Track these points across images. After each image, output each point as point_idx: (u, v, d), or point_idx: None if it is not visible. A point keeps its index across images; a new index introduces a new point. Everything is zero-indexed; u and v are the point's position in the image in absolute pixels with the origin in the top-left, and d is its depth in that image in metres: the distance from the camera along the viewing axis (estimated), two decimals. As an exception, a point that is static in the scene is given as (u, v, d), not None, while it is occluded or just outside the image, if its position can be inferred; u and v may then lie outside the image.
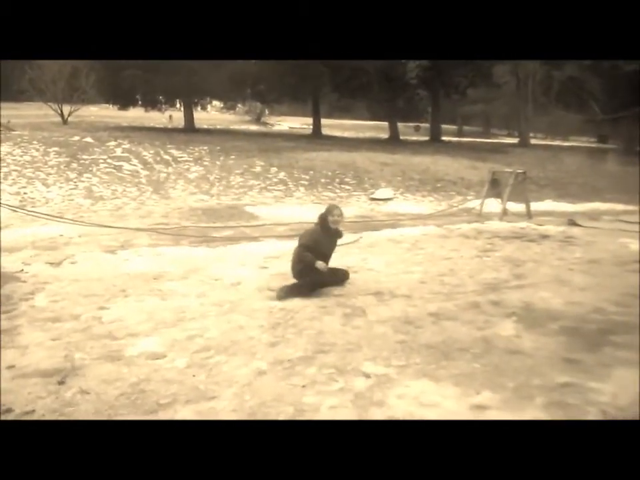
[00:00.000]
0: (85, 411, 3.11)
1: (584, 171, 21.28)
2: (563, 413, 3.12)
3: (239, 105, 39.44)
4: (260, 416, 3.09)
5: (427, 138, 32.59)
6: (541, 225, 9.67)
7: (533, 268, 6.46)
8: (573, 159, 24.18)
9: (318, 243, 5.44)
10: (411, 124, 41.44)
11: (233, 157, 18.14)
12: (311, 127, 32.13)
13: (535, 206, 12.34)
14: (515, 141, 34.53)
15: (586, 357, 3.88)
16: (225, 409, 3.16)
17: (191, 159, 17.22)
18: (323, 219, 5.54)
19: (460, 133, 42.37)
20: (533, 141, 33.40)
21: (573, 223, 9.98)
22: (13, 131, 20.19)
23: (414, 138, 33.35)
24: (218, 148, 19.32)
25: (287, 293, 5.29)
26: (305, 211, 12.15)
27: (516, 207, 11.51)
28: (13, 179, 13.20)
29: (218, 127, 32.26)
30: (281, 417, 3.08)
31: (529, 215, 11.23)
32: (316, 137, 29.23)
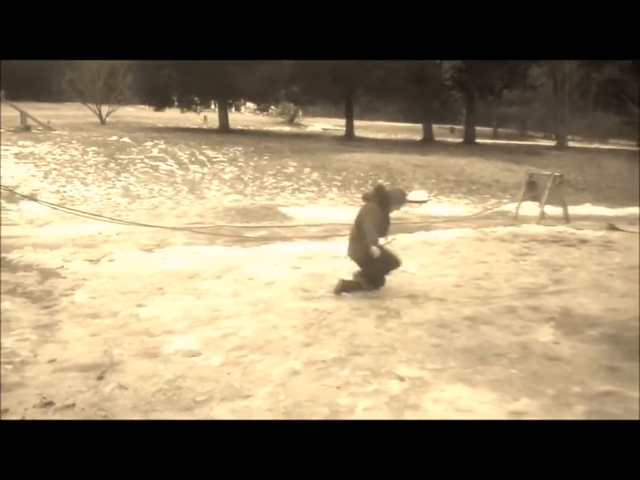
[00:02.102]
0: (123, 406, 3.16)
1: (623, 174, 20.74)
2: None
3: (272, 107, 39.65)
4: (294, 416, 3.10)
5: (461, 140, 32.23)
6: (579, 229, 9.47)
7: (571, 273, 6.33)
8: (612, 162, 23.59)
9: (380, 224, 5.38)
10: (444, 126, 41.05)
11: (266, 157, 18.26)
12: (344, 128, 32.10)
13: (573, 210, 12.09)
14: (551, 143, 33.89)
15: (626, 365, 3.79)
16: (259, 407, 3.17)
17: (226, 160, 17.38)
18: (384, 200, 5.40)
19: (495, 135, 41.80)
20: (570, 144, 32.72)
21: (612, 228, 9.74)
22: (53, 130, 20.69)
23: (448, 140, 33.02)
24: (252, 149, 19.45)
25: (351, 287, 5.36)
26: (337, 212, 12.15)
27: (553, 210, 11.29)
28: (53, 178, 13.52)
29: (251, 128, 32.50)
30: (316, 417, 3.08)
31: (566, 219, 11.01)
32: (349, 138, 29.19)
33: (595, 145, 36.40)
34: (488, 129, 42.55)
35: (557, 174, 11.42)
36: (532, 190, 11.50)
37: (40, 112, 26.02)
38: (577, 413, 3.17)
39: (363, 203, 5.61)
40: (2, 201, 10.77)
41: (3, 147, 15.16)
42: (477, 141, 30.73)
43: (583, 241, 8.32)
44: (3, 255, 6.57)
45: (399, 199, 5.66)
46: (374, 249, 5.08)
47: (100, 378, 3.51)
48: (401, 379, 3.59)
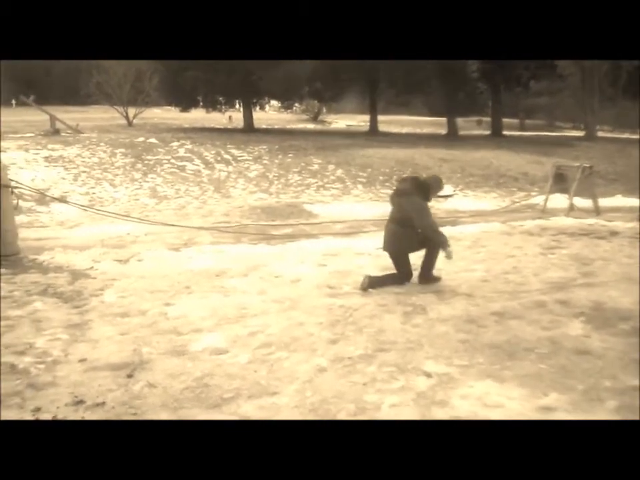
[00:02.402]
0: (152, 404, 3.21)
1: (655, 164, 20.25)
2: (636, 416, 2.98)
3: (296, 104, 39.72)
4: (321, 412, 3.10)
5: (488, 132, 31.84)
6: (609, 221, 9.28)
7: (601, 266, 6.20)
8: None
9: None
10: (471, 118, 40.61)
11: (290, 155, 18.31)
12: (368, 123, 31.99)
13: (603, 201, 11.84)
14: (580, 134, 33.26)
15: (660, 359, 3.70)
16: (287, 404, 3.19)
17: (251, 158, 17.48)
18: (426, 189, 5.46)
19: (522, 127, 41.18)
20: (599, 134, 32.07)
21: (644, 219, 9.51)
22: (82, 133, 21.08)
23: (475, 132, 32.67)
24: (276, 147, 19.53)
25: (378, 283, 5.39)
26: (362, 208, 12.12)
27: (583, 202, 11.08)
28: (83, 180, 13.77)
29: (276, 126, 32.63)
30: (342, 414, 3.08)
31: (596, 211, 10.79)
32: (373, 133, 29.10)
33: (625, 135, 35.56)
34: (515, 121, 41.94)
35: (587, 165, 11.20)
36: (560, 182, 11.30)
37: (69, 115, 26.55)
38: (608, 407, 3.11)
39: (396, 197, 5.54)
40: (33, 203, 11.02)
41: (32, 151, 15.50)
42: (504, 132, 30.34)
43: (614, 233, 8.14)
44: (34, 257, 6.72)
45: (438, 186, 5.67)
46: (447, 242, 5.31)
47: (129, 376, 3.57)
48: (428, 375, 3.57)
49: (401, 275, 5.54)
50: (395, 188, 5.57)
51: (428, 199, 5.49)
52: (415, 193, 5.39)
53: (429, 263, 5.55)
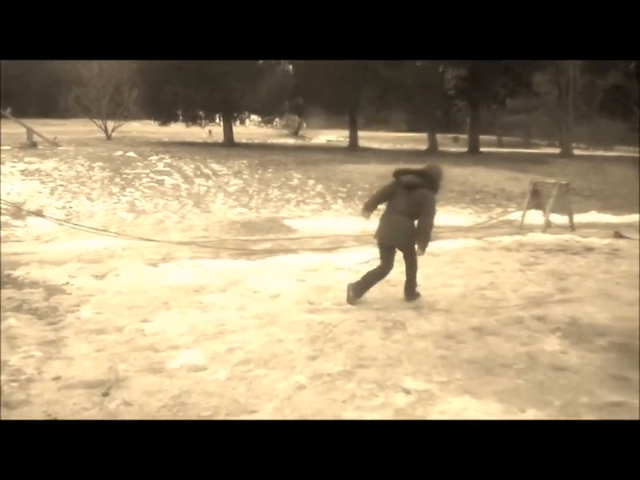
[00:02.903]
0: (128, 423, 3.15)
1: (628, 181, 20.63)
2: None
3: (277, 119, 39.83)
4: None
5: (465, 149, 32.24)
6: (585, 237, 9.43)
7: (577, 282, 6.29)
8: (618, 169, 23.51)
9: (388, 193, 5.60)
10: (449, 135, 41.10)
11: (270, 170, 18.31)
12: (348, 139, 32.18)
13: (579, 218, 12.04)
14: (556, 151, 33.85)
15: (635, 374, 3.75)
16: (265, 422, 3.16)
17: (230, 173, 17.45)
18: (436, 183, 5.45)
19: (500, 144, 41.79)
20: (575, 151, 32.67)
21: (619, 235, 9.69)
22: (59, 146, 20.85)
23: (452, 149, 33.04)
24: (256, 161, 19.52)
25: (363, 286, 5.42)
26: (342, 223, 12.15)
27: (559, 218, 11.25)
28: (59, 194, 13.59)
29: (256, 141, 32.65)
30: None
31: (572, 227, 10.97)
32: (353, 149, 29.26)
33: (600, 152, 36.30)
34: (492, 138, 42.54)
35: (563, 182, 11.39)
36: (536, 198, 11.47)
37: (46, 128, 26.25)
38: (585, 424, 3.13)
39: (405, 190, 5.39)
40: (8, 217, 10.84)
41: (9, 164, 15.28)
42: (482, 149, 30.73)
43: (589, 249, 8.28)
44: (9, 272, 6.60)
45: (441, 175, 5.62)
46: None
47: (105, 394, 3.51)
48: (407, 391, 3.57)
49: (383, 269, 5.48)
50: (398, 179, 5.46)
51: (437, 191, 5.49)
52: (425, 187, 5.36)
53: (413, 275, 5.56)
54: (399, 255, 5.52)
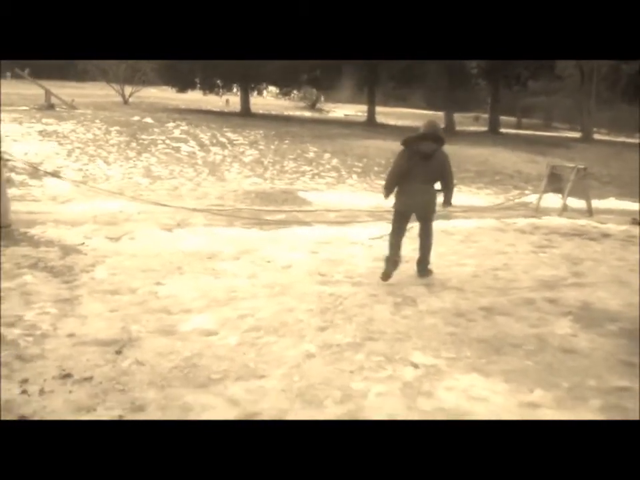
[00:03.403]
0: (140, 381, 3.21)
1: (649, 169, 20.36)
2: (619, 417, 3.02)
3: (295, 92, 39.53)
4: (308, 397, 3.12)
5: (485, 129, 31.87)
6: (602, 223, 9.33)
7: (591, 267, 6.25)
8: (637, 156, 23.15)
9: (405, 164, 5.46)
10: (468, 114, 40.61)
11: (286, 142, 18.23)
12: (366, 114, 31.91)
13: (596, 203, 11.90)
14: (577, 135, 33.36)
15: (645, 361, 3.74)
16: (274, 388, 3.21)
17: (246, 143, 17.39)
18: (442, 138, 5.39)
19: (519, 125, 41.24)
20: (596, 136, 32.18)
21: (636, 222, 9.58)
22: (77, 109, 20.87)
23: (471, 128, 32.68)
24: (273, 132, 19.44)
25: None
26: (356, 198, 12.12)
27: (576, 203, 11.14)
28: (76, 156, 13.64)
29: (273, 112, 32.45)
30: (329, 401, 3.10)
31: (589, 212, 10.85)
32: (370, 124, 29.02)
33: (622, 139, 35.70)
34: (512, 119, 41.98)
35: (581, 166, 11.24)
36: (554, 182, 11.34)
37: (64, 90, 26.25)
38: (592, 406, 3.15)
39: (422, 160, 5.25)
40: (25, 177, 10.92)
41: (27, 125, 15.34)
42: (501, 130, 30.37)
43: (606, 235, 8.20)
44: (25, 230, 6.68)
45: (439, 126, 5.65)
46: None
47: (118, 353, 3.57)
48: (415, 366, 3.59)
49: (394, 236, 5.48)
50: (411, 148, 5.29)
51: (444, 143, 5.42)
52: (439, 148, 5.31)
53: (429, 250, 5.57)
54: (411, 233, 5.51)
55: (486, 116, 35.40)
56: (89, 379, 3.20)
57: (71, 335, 3.80)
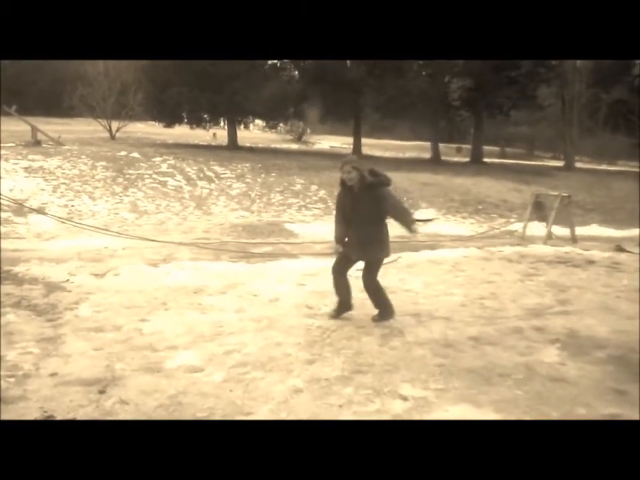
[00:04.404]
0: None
1: (631, 196, 20.64)
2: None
3: (281, 124, 39.93)
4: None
5: (468, 159, 32.30)
6: (586, 250, 9.42)
7: (577, 294, 6.28)
8: (620, 183, 23.53)
9: (342, 205, 4.97)
10: (453, 145, 41.19)
11: (273, 174, 18.34)
12: (352, 146, 32.25)
13: (580, 230, 12.04)
14: (559, 164, 33.90)
15: (633, 388, 3.73)
16: (261, 425, 3.14)
17: (233, 176, 17.47)
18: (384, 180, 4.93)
19: (503, 155, 41.85)
20: (578, 165, 32.72)
21: (620, 249, 9.68)
22: (63, 145, 20.89)
23: (455, 159, 33.09)
24: (259, 165, 19.56)
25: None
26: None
27: (560, 230, 11.26)
28: (62, 192, 13.62)
29: (260, 145, 32.71)
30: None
31: (573, 240, 10.97)
32: (356, 156, 29.31)
33: (604, 166, 36.33)
34: (495, 149, 42.61)
35: (565, 194, 11.40)
36: (539, 210, 11.49)
37: (51, 127, 26.33)
38: (582, 436, 3.12)
39: (360, 192, 4.88)
40: (10, 214, 10.85)
41: (12, 161, 15.32)
42: (485, 160, 30.78)
43: (590, 262, 8.26)
44: (9, 268, 6.60)
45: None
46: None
47: (101, 392, 3.50)
48: (404, 398, 3.55)
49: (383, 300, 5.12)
50: (349, 185, 4.89)
51: (344, 183, 4.95)
52: (381, 184, 4.93)
53: (372, 296, 5.14)
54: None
55: (468, 146, 35.90)
56: (72, 420, 3.12)
57: (53, 375, 3.73)
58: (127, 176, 15.74)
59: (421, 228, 13.23)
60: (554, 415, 3.36)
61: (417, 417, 3.30)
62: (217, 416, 3.23)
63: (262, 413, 3.29)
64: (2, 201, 9.91)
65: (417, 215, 15.02)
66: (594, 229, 14.15)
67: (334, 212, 5.24)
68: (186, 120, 30.99)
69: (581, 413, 3.39)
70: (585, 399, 3.59)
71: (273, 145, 33.75)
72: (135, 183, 15.20)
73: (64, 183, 14.28)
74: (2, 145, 18.91)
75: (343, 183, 4.97)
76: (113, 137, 26.95)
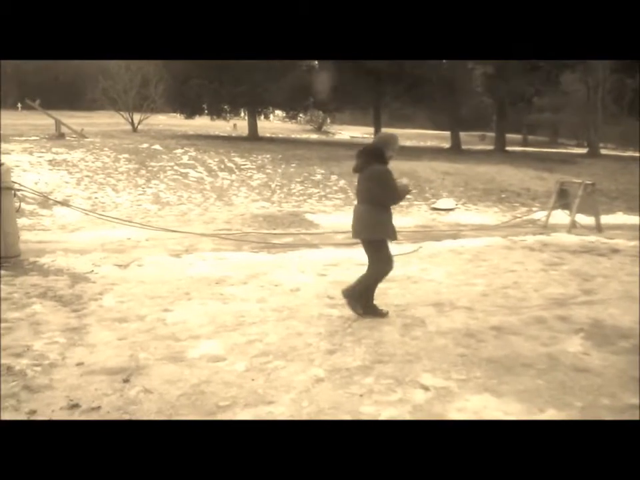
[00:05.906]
0: (148, 410, 3.19)
1: (658, 183, 20.25)
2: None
3: (301, 115, 39.86)
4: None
5: (491, 147, 31.91)
6: (611, 239, 9.27)
7: (602, 283, 6.19)
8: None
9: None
10: (474, 133, 40.73)
11: (293, 165, 18.33)
12: (372, 136, 32.09)
13: (605, 219, 11.84)
14: (583, 151, 33.31)
15: (660, 378, 3.68)
16: (283, 414, 3.17)
17: (254, 167, 17.51)
18: (382, 153, 4.76)
19: (525, 143, 41.26)
20: (603, 151, 32.11)
21: (646, 238, 9.50)
22: (86, 138, 21.13)
23: (478, 147, 32.73)
24: (280, 156, 19.57)
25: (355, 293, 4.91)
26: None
27: (584, 219, 11.08)
28: (85, 185, 13.79)
29: (280, 135, 32.72)
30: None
31: (598, 228, 10.79)
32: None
33: (629, 153, 35.60)
34: (518, 137, 42.02)
35: (589, 182, 11.21)
36: (563, 198, 11.32)
37: (74, 120, 26.65)
38: (606, 426, 3.09)
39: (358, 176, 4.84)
40: (35, 206, 11.03)
41: (37, 154, 15.54)
42: (507, 148, 30.38)
43: (615, 251, 8.14)
44: (34, 259, 6.72)
45: (390, 141, 4.88)
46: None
47: (126, 381, 3.55)
48: (426, 388, 3.55)
49: (379, 268, 4.85)
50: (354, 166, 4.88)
51: (386, 162, 4.78)
52: (372, 162, 4.73)
53: (368, 282, 4.91)
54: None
55: (492, 134, 35.46)
56: (97, 408, 3.18)
57: (79, 364, 3.80)
58: (149, 168, 15.87)
59: (441, 217, 13.22)
60: (577, 404, 3.33)
61: (438, 406, 3.30)
62: (239, 405, 3.27)
63: (283, 402, 3.32)
64: (27, 194, 10.06)
65: (438, 204, 14.93)
66: (619, 217, 13.90)
67: (354, 202, 5.21)
68: (207, 111, 31.12)
69: (605, 403, 3.36)
70: (609, 389, 3.55)
71: (293, 136, 33.73)
72: (157, 175, 15.33)
73: (87, 176, 14.46)
74: (26, 138, 19.19)
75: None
76: (135, 130, 27.16)
